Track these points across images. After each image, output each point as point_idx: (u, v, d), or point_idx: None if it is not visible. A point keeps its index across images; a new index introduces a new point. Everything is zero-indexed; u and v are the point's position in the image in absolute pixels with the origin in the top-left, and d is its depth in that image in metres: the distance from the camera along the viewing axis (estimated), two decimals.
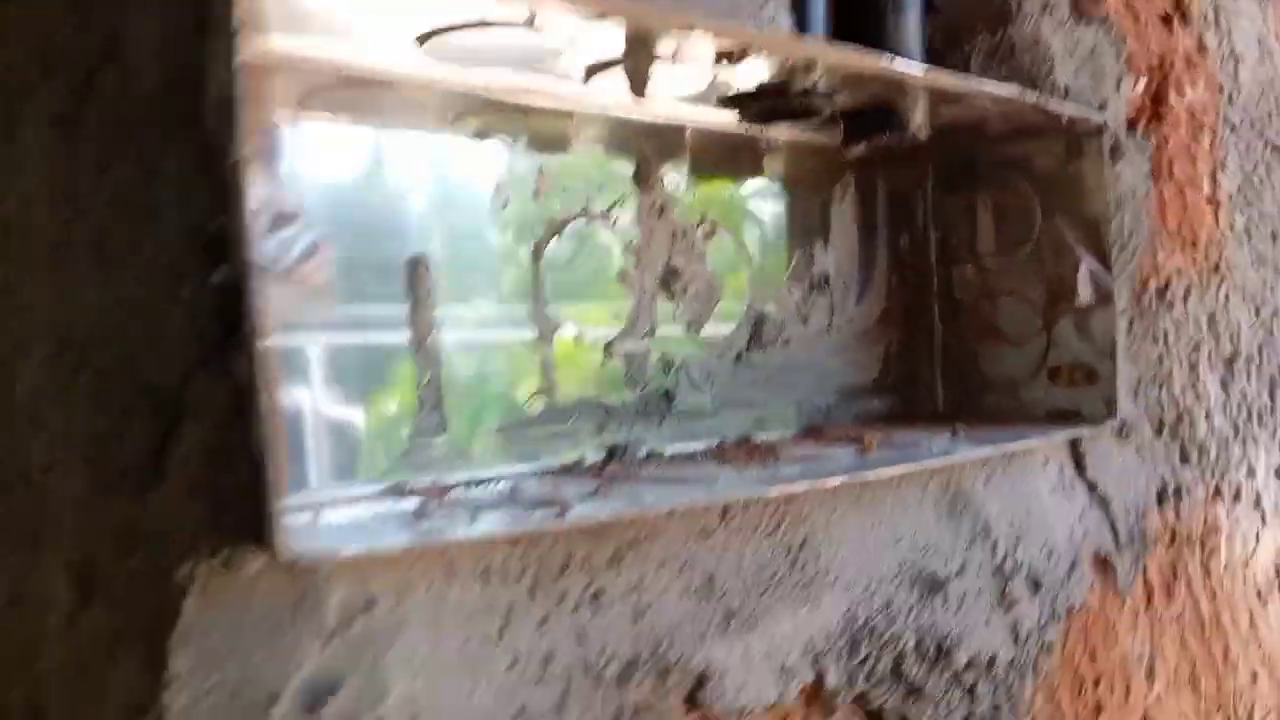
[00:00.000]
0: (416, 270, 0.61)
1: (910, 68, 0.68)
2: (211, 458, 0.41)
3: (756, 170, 0.81)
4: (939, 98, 0.75)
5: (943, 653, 0.69)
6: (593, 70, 0.63)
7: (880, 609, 0.67)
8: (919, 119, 0.76)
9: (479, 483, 0.60)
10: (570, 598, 0.52)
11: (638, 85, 0.63)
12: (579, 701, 0.51)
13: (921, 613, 0.69)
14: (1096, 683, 0.81)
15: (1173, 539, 0.91)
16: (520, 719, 0.49)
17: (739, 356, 0.79)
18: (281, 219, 0.44)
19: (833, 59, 0.64)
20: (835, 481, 0.61)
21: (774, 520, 0.63)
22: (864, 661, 0.65)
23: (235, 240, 0.40)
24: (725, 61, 0.62)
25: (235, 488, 0.41)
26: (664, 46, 0.59)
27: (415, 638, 0.46)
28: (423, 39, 0.55)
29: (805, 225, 0.85)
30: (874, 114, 0.76)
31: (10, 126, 0.50)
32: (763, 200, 0.82)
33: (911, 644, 0.68)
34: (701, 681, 0.57)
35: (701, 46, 0.60)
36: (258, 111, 0.40)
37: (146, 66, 0.42)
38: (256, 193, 0.39)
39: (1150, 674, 0.87)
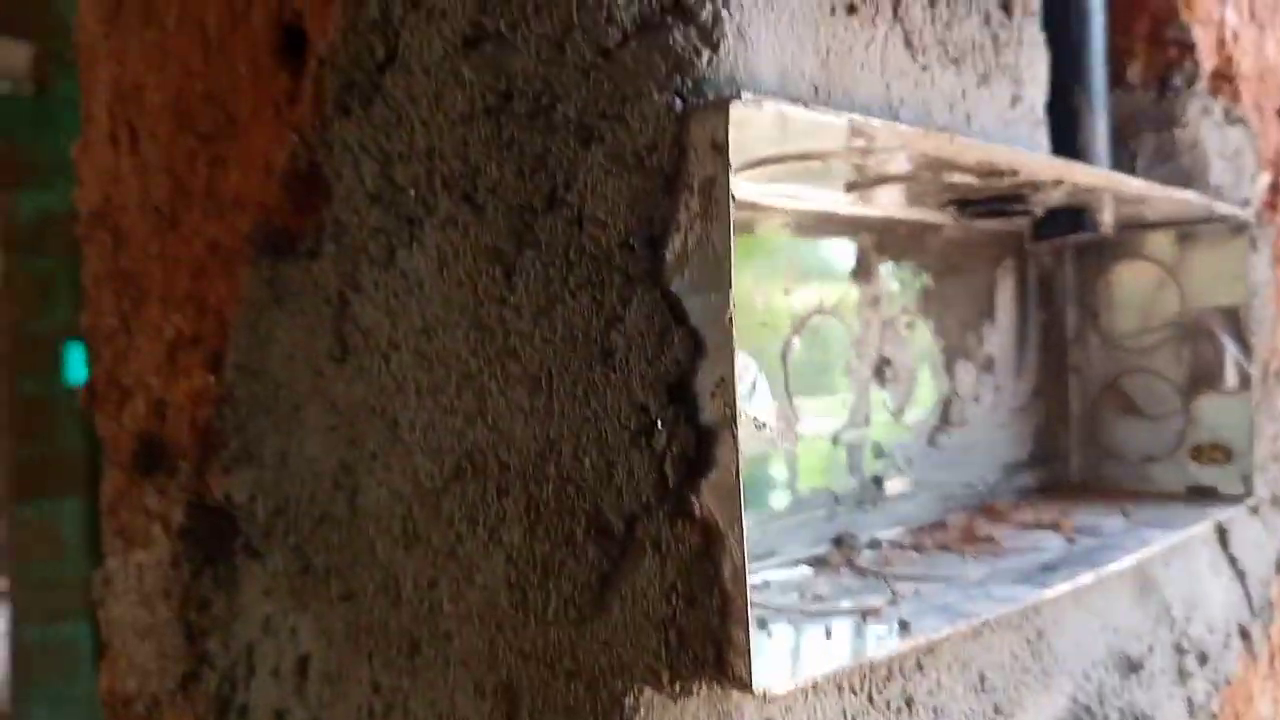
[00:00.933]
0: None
1: (1137, 186, 0.73)
2: (668, 593, 0.44)
3: (941, 260, 0.85)
4: (1124, 200, 0.80)
5: None
6: (870, 183, 0.66)
7: (1095, 693, 0.72)
8: (1107, 219, 0.81)
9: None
10: (893, 705, 0.56)
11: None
12: None
13: (1123, 693, 0.74)
14: None
15: None
16: None
17: (931, 440, 0.83)
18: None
19: (1079, 178, 0.69)
20: (1087, 579, 0.65)
21: (1020, 616, 0.67)
22: None
23: (718, 390, 0.42)
24: (992, 177, 0.66)
25: (692, 622, 0.43)
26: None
27: None
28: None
29: (977, 309, 0.89)
30: (1066, 212, 0.81)
31: (392, 249, 0.52)
32: (939, 286, 0.87)
33: None
34: None
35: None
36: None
37: (610, 217, 0.45)
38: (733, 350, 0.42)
39: None
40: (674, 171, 0.44)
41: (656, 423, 0.44)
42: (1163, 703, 0.77)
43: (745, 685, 0.42)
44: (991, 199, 0.74)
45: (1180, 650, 0.80)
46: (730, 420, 0.42)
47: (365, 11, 0.52)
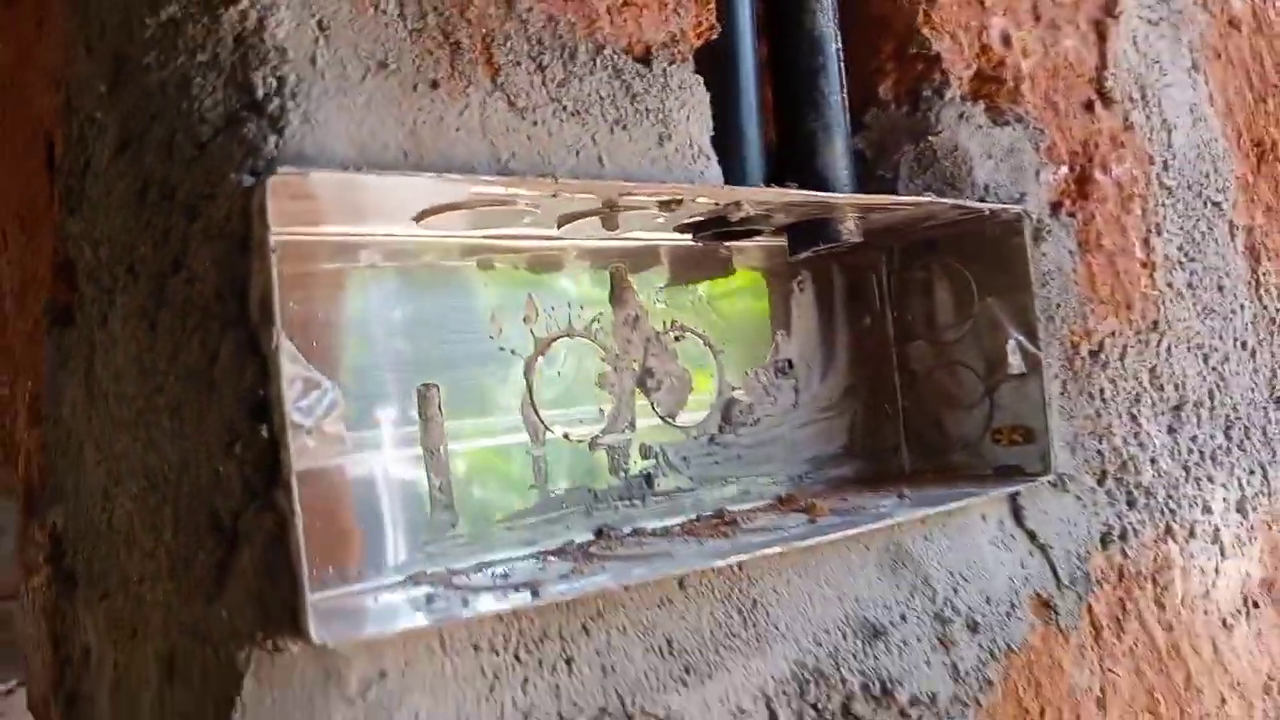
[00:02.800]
0: (427, 395, 0.75)
1: (825, 198, 0.81)
2: (261, 571, 0.56)
3: (719, 274, 0.94)
4: (865, 209, 0.88)
5: (887, 692, 0.81)
6: (564, 220, 0.77)
7: (827, 656, 0.79)
8: (850, 227, 0.89)
9: (483, 567, 0.73)
10: (547, 663, 0.65)
11: (610, 226, 0.78)
12: None
13: (866, 658, 0.81)
14: (1042, 713, 0.91)
15: (1121, 577, 1.02)
16: None
17: (711, 438, 0.92)
18: (310, 385, 0.59)
19: (757, 198, 0.78)
20: (773, 550, 0.73)
21: (728, 586, 0.76)
22: (814, 703, 0.78)
23: (275, 405, 0.54)
24: (670, 208, 0.76)
25: (280, 593, 0.55)
26: (622, 203, 0.73)
27: (418, 701, 0.60)
28: (418, 217, 0.70)
29: (769, 320, 0.98)
30: (810, 226, 0.89)
31: (105, 316, 0.65)
32: (729, 299, 0.96)
33: (858, 686, 0.80)
34: None
35: (648, 201, 0.74)
36: (286, 306, 0.55)
37: (207, 275, 0.57)
38: (289, 370, 0.54)
39: (1101, 704, 0.97)
40: (245, 235, 0.56)
41: (243, 437, 0.56)
42: (918, 668, 0.83)
43: (308, 638, 0.53)
44: (713, 223, 0.83)
45: (942, 619, 0.86)
46: (284, 429, 0.54)
47: (72, 129, 0.66)
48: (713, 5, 0.79)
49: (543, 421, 0.82)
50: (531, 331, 0.82)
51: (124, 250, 0.62)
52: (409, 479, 0.74)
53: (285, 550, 0.54)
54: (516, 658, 0.64)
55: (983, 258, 0.98)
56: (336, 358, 0.68)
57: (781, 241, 0.96)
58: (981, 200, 0.96)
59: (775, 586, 0.78)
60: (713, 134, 0.77)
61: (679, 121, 0.74)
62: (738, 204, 0.78)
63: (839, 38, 0.90)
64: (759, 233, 0.87)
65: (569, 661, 0.66)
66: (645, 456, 0.87)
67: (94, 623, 0.71)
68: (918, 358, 1.05)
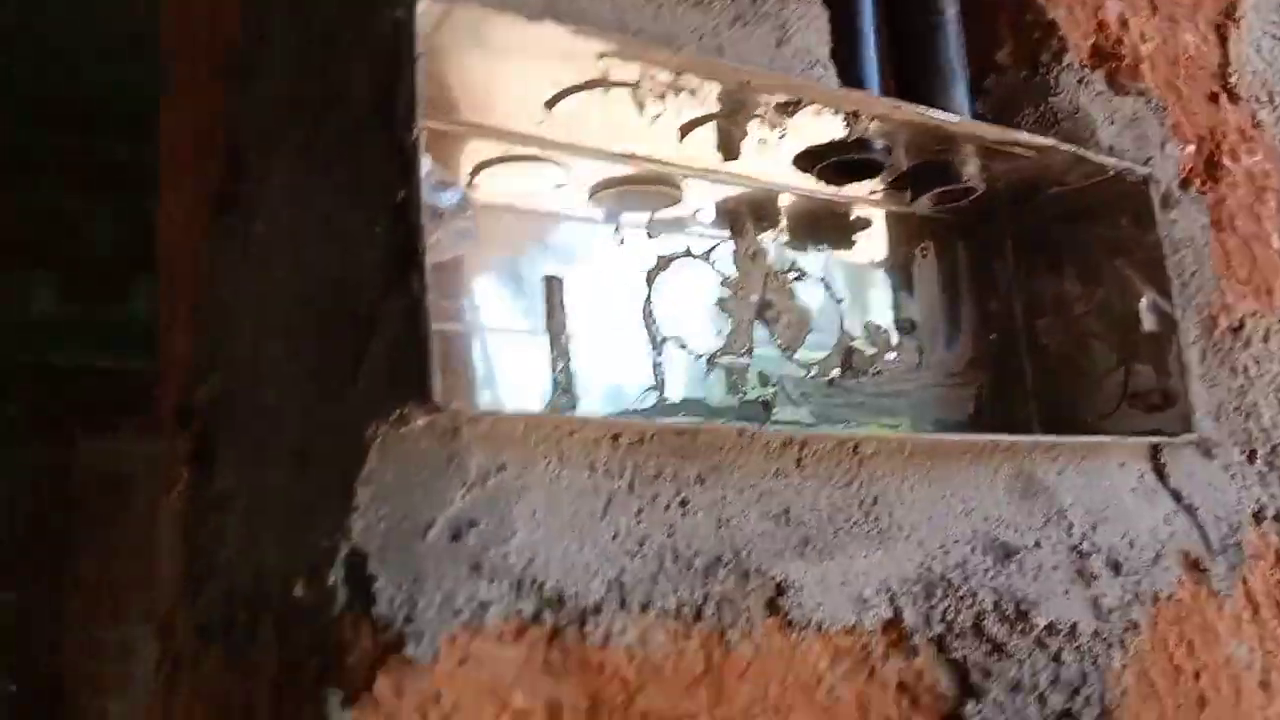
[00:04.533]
0: (552, 285, 0.79)
1: (945, 117, 0.84)
2: (392, 351, 0.58)
3: (839, 229, 0.96)
4: (988, 152, 0.89)
5: (1021, 613, 0.76)
6: (686, 129, 0.81)
7: (955, 566, 0.76)
8: (972, 170, 0.91)
9: None
10: (661, 500, 0.65)
11: (729, 148, 0.82)
12: (670, 579, 0.63)
13: (997, 576, 0.77)
14: (1197, 676, 0.84)
15: (1279, 560, 0.94)
16: (620, 579, 0.61)
17: (831, 381, 0.91)
18: (442, 183, 0.63)
19: (874, 109, 0.80)
20: (900, 435, 0.72)
21: (848, 475, 0.74)
22: (942, 612, 0.74)
23: (412, 198, 0.58)
24: (788, 112, 0.79)
25: (408, 372, 0.57)
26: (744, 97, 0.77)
27: (535, 500, 0.60)
28: (550, 103, 0.75)
29: (891, 280, 0.99)
30: (931, 168, 0.91)
31: (268, 171, 0.71)
32: (848, 253, 0.97)
33: (990, 602, 0.76)
34: (780, 590, 0.67)
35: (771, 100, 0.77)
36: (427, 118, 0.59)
37: (361, 101, 0.63)
38: (425, 164, 0.58)
39: (1266, 686, 0.89)
40: (396, 53, 0.61)
41: (377, 233, 0.60)
42: (1055, 596, 0.78)
43: (433, 404, 0.55)
44: (838, 152, 0.86)
45: (1081, 553, 0.81)
46: (417, 218, 0.57)
47: (251, 13, 0.75)
48: None
49: (660, 330, 0.83)
50: (653, 246, 0.85)
51: (288, 105, 0.69)
52: (532, 359, 0.76)
53: (415, 327, 0.57)
54: (630, 487, 0.64)
55: (1111, 223, 0.98)
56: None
57: (904, 208, 0.97)
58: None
59: (897, 488, 0.76)
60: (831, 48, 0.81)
61: (797, 29, 0.78)
62: (855, 115, 0.80)
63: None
64: (878, 172, 0.89)
65: (683, 504, 0.66)
66: (764, 384, 0.87)
67: (231, 479, 0.74)
68: (1046, 332, 1.03)
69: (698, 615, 0.64)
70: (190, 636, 0.80)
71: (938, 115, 0.83)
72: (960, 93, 0.94)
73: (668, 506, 0.65)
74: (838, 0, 0.84)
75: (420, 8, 0.60)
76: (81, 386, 2.75)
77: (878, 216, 0.99)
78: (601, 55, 0.68)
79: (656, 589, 0.62)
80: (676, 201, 0.87)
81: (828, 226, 0.96)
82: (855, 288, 0.97)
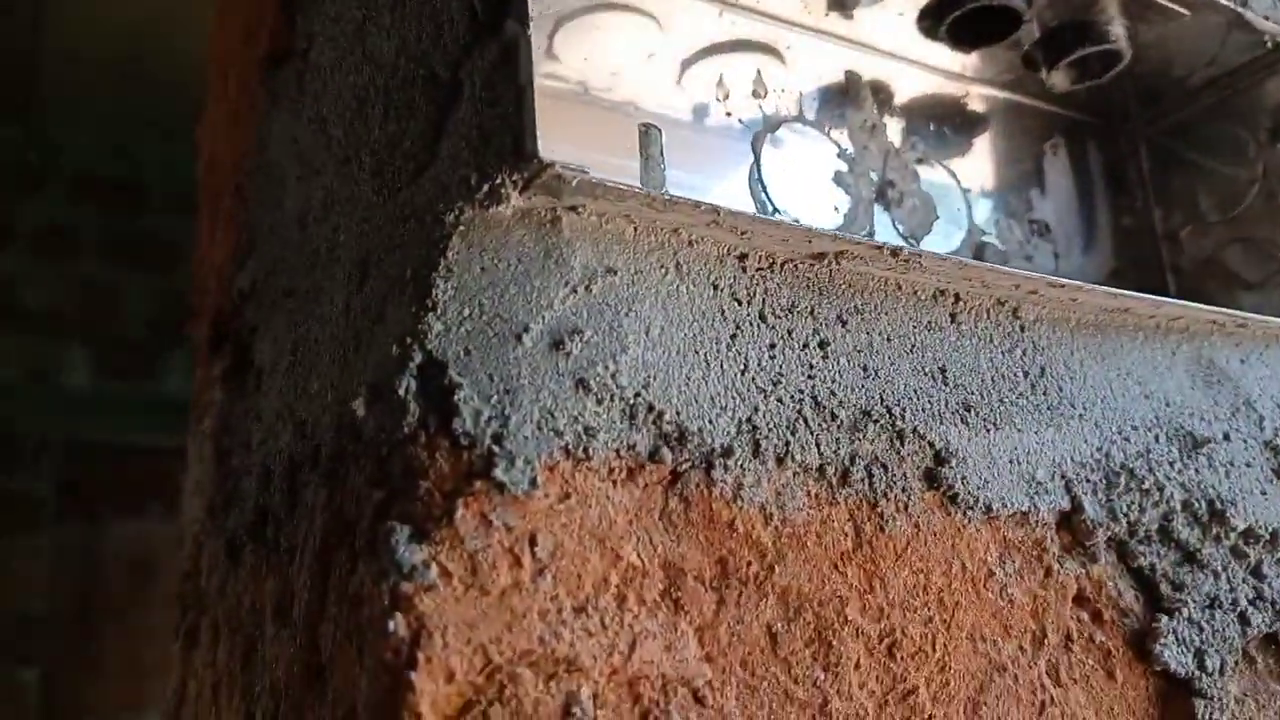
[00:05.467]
0: (649, 133, 0.67)
1: None
2: (482, 107, 0.47)
3: (967, 121, 0.85)
4: (1136, 11, 0.78)
5: (1216, 514, 0.63)
6: None
7: (1137, 455, 0.62)
8: (1119, 31, 0.79)
9: None
10: (797, 337, 0.53)
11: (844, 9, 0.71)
12: (811, 430, 0.51)
13: (1185, 469, 0.64)
14: None
15: None
16: (752, 420, 0.49)
17: None
18: None
19: None
20: (1067, 282, 0.60)
21: (1009, 340, 0.62)
22: (1125, 508, 0.61)
23: None
24: None
25: (499, 123, 0.46)
26: None
27: (650, 313, 0.48)
28: None
29: (1020, 175, 0.87)
30: (1072, 29, 0.79)
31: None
32: (974, 140, 0.85)
33: (1178, 500, 0.62)
34: (940, 460, 0.55)
35: None
36: None
37: None
38: None
39: None
40: None
41: None
42: (1252, 495, 0.65)
43: (535, 160, 0.44)
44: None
45: (1276, 450, 0.68)
46: None
47: None
48: None
49: (771, 200, 0.72)
50: (760, 108, 0.73)
51: None
52: None
53: (509, 71, 0.46)
54: (761, 316, 0.52)
55: (1261, 114, 0.85)
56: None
57: (1029, 100, 0.86)
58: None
59: (1066, 361, 0.63)
60: None
61: None
62: None
63: None
64: (1015, 27, 0.78)
65: (823, 345, 0.54)
66: None
67: (269, 351, 0.63)
68: (1190, 244, 0.90)
69: (844, 478, 0.51)
70: (218, 564, 0.68)
71: None
72: None
73: (805, 345, 0.53)
74: None
75: None
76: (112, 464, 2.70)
77: (1000, 108, 0.87)
78: None
79: (795, 439, 0.50)
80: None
81: (949, 111, 0.84)
82: (981, 180, 0.85)
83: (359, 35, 0.57)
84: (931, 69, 0.81)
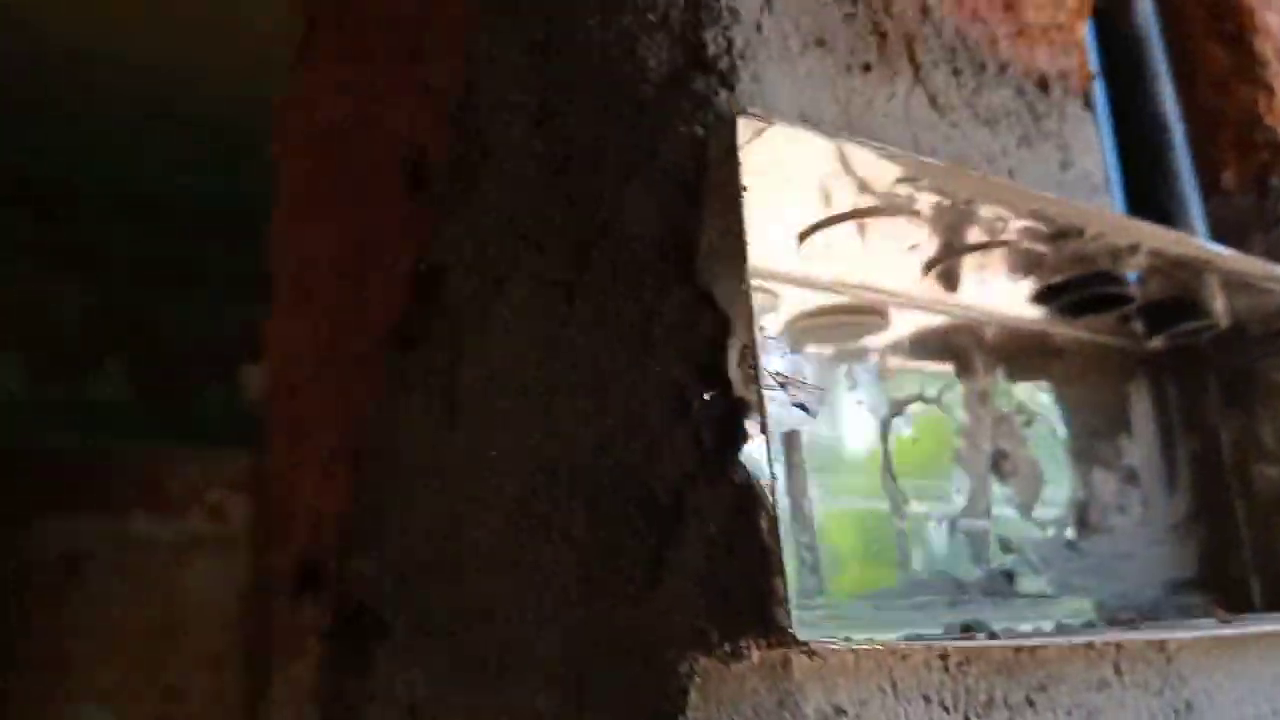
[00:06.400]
0: (791, 440, 0.67)
1: (1223, 250, 0.74)
2: (715, 554, 0.46)
3: (1051, 366, 0.86)
4: (1236, 287, 0.79)
5: None
6: (936, 260, 0.70)
7: None
8: (1219, 307, 0.81)
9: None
10: None
11: (949, 280, 0.71)
12: None
13: None
14: None
15: None
16: None
17: (1070, 543, 0.80)
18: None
19: (1158, 242, 0.70)
20: (1226, 631, 0.61)
21: (1161, 681, 0.62)
22: None
23: (742, 357, 0.46)
24: (1049, 243, 0.69)
25: (734, 576, 0.45)
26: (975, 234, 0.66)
27: None
28: (803, 236, 0.64)
29: (1107, 420, 0.88)
30: (1172, 304, 0.81)
31: (485, 310, 0.59)
32: (1057, 396, 0.86)
33: None
34: None
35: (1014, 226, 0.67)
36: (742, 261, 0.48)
37: (645, 234, 0.51)
38: (754, 324, 0.47)
39: None
40: (696, 183, 0.50)
41: (688, 401, 0.48)
42: None
43: (786, 634, 0.43)
44: (1078, 283, 0.75)
45: None
46: (755, 382, 0.46)
47: (466, 125, 0.63)
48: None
49: (902, 491, 0.72)
50: (885, 390, 0.73)
51: (530, 229, 0.57)
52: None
53: (748, 525, 0.45)
54: (966, 719, 0.52)
55: None
56: None
57: (1115, 340, 0.87)
58: None
59: (1206, 689, 0.64)
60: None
61: (1078, 151, 0.68)
62: (1134, 248, 0.70)
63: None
64: (1123, 304, 0.79)
65: None
66: (1005, 550, 0.76)
67: (423, 674, 0.61)
68: (1264, 478, 0.92)
69: None
70: None
71: (1226, 253, 0.73)
72: (1196, 217, 0.85)
73: None
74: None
75: (741, 122, 0.49)
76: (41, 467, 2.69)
77: (1087, 349, 0.88)
78: (899, 180, 0.58)
79: None
80: (882, 330, 0.77)
81: (1039, 357, 0.85)
82: (1074, 428, 0.86)
83: (532, 392, 0.55)
84: (1014, 330, 0.82)
